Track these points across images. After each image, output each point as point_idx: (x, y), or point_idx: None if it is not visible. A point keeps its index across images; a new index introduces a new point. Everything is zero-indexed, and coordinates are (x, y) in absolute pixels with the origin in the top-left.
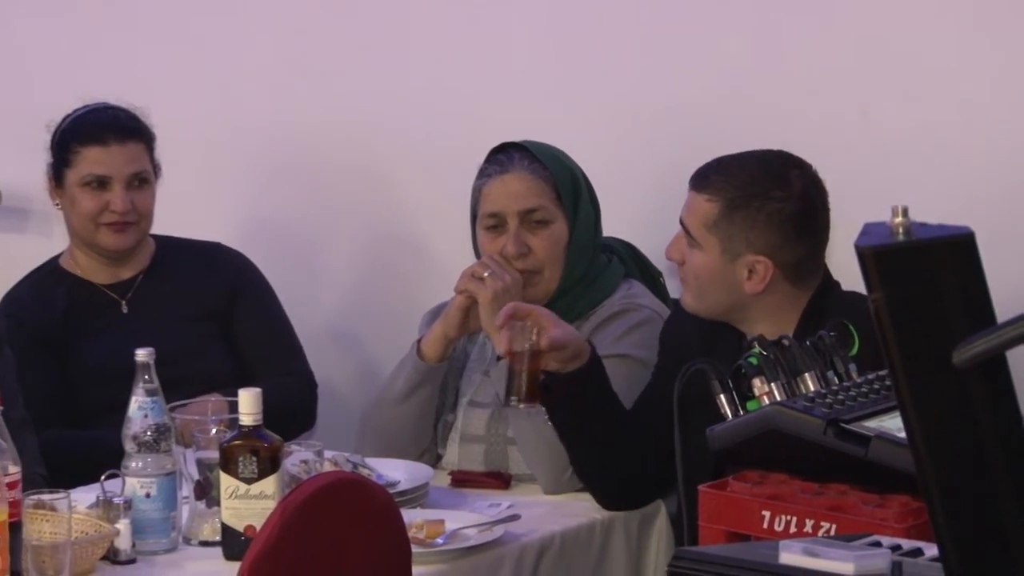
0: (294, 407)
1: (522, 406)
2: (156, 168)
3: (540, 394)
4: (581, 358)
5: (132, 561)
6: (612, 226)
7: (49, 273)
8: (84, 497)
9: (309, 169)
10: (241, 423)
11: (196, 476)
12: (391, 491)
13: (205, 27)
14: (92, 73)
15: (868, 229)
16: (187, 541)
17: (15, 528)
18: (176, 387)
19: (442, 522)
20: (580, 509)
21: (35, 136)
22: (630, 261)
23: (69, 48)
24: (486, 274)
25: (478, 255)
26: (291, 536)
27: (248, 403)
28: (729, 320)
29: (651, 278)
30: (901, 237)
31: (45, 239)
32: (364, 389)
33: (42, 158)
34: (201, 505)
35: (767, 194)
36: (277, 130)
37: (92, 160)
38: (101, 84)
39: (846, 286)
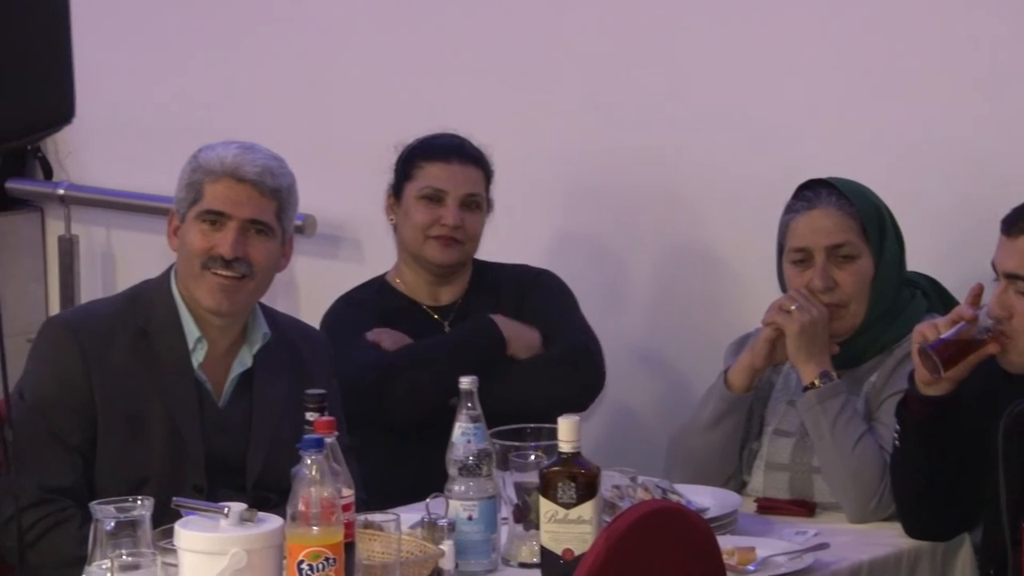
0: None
1: (938, 363)
2: (489, 202)
3: (953, 373)
4: (942, 386)
5: None
6: (914, 261)
7: (377, 289)
8: (406, 518)
9: (616, 193)
10: (560, 450)
11: (515, 500)
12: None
13: (520, 63)
14: (411, 110)
15: None
16: (506, 562)
17: (349, 548)
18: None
19: (753, 549)
20: (886, 538)
21: (350, 166)
22: (933, 295)
23: (386, 85)
24: (793, 307)
25: (783, 288)
26: (615, 562)
27: (567, 431)
28: None
29: None
30: None
31: (356, 265)
32: (668, 412)
33: (354, 187)
34: (519, 528)
35: None
36: (584, 155)
37: (432, 175)
38: (418, 122)
39: None
